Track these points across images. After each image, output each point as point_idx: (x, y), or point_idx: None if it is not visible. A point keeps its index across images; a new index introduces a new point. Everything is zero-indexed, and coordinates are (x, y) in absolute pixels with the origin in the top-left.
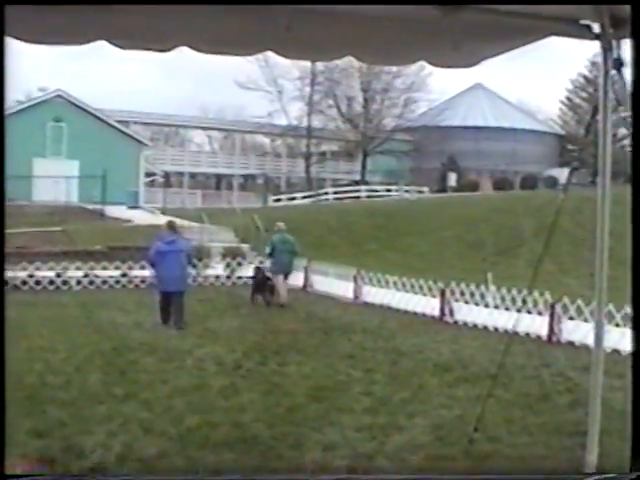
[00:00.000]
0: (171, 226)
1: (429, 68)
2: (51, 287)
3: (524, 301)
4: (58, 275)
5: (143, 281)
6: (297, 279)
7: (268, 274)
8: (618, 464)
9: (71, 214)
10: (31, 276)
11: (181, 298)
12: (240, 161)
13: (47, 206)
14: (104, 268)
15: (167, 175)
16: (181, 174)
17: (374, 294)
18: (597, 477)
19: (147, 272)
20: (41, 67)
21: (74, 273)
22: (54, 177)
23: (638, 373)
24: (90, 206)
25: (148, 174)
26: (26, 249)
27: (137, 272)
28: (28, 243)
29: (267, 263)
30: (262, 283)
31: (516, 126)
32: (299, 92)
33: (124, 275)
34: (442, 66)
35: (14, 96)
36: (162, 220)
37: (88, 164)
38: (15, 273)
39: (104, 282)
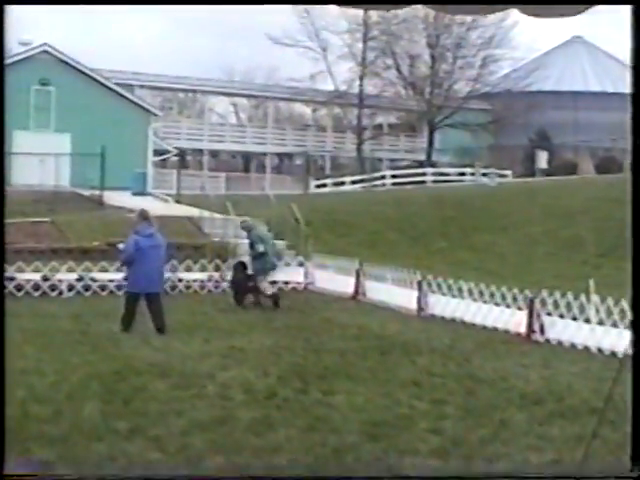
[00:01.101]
0: (145, 216)
1: (514, 17)
2: (36, 293)
3: None
4: (45, 278)
5: None
6: (346, 286)
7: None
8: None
9: (61, 201)
10: (11, 279)
11: (160, 300)
12: (274, 136)
13: (31, 191)
14: (103, 270)
15: (182, 153)
16: (200, 152)
17: (443, 305)
18: (597, 477)
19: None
20: (22, 17)
21: (65, 276)
22: (40, 154)
23: (638, 373)
24: (85, 192)
25: (158, 152)
26: (5, 245)
27: None
28: (7, 238)
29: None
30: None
31: (625, 91)
32: (348, 49)
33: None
34: (536, 14)
35: None
36: (177, 210)
37: (82, 139)
38: None
39: (103, 287)
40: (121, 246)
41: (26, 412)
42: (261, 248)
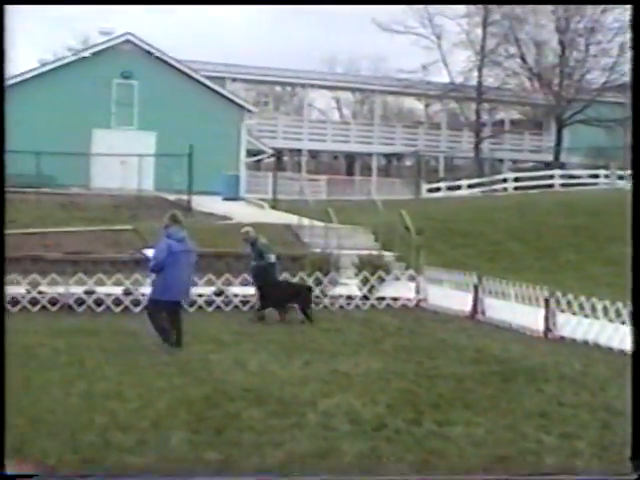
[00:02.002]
0: (177, 219)
1: None
2: (118, 309)
3: None
4: (127, 292)
5: (245, 302)
6: (462, 303)
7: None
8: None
9: (145, 207)
10: (90, 293)
11: (180, 311)
12: (381, 134)
13: (112, 196)
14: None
15: (279, 154)
16: (298, 152)
17: (574, 325)
18: (597, 477)
19: (250, 290)
20: (102, 7)
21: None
22: (121, 155)
23: (638, 373)
24: (171, 196)
25: (252, 152)
26: (82, 255)
27: (237, 289)
28: (85, 247)
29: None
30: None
31: None
32: (465, 35)
33: (219, 293)
34: None
35: (65, 42)
36: (273, 217)
37: (168, 138)
38: (67, 289)
39: (191, 303)
40: (148, 251)
41: (107, 440)
42: (272, 258)
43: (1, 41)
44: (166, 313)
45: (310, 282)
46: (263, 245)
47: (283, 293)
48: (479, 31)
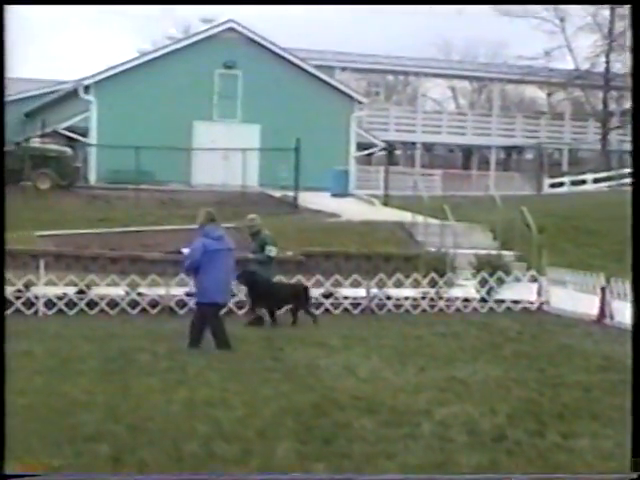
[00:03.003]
0: (212, 218)
1: None
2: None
3: None
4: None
5: (356, 304)
6: (588, 306)
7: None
8: None
9: (249, 204)
10: (191, 295)
11: (220, 313)
12: (500, 125)
13: (214, 192)
14: None
15: (391, 147)
16: (412, 145)
17: None
18: (598, 477)
19: (361, 291)
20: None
21: None
22: (224, 149)
23: (638, 373)
24: (276, 192)
25: (362, 146)
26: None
27: (347, 291)
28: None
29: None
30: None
31: None
32: (592, 18)
33: (328, 295)
34: None
35: (166, 31)
36: (385, 214)
37: (273, 131)
38: (168, 290)
39: None
40: (185, 250)
41: (211, 451)
42: (273, 251)
43: (1, 41)
44: (208, 316)
45: (424, 283)
46: (267, 236)
47: (278, 293)
48: (606, 13)
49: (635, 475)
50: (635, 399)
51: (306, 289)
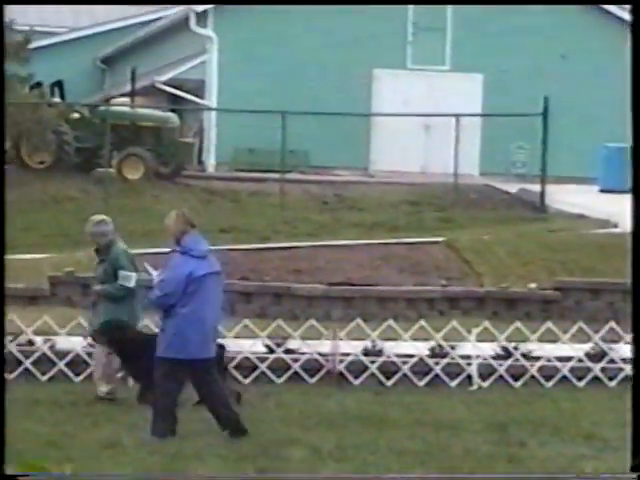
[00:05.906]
0: (190, 223)
1: None
2: (418, 379)
3: None
4: (437, 354)
5: None
6: None
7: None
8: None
9: (463, 204)
10: (375, 353)
11: (213, 369)
12: None
13: (405, 184)
14: (542, 340)
15: None
16: None
17: None
18: (597, 477)
19: None
20: None
21: (471, 348)
22: (424, 115)
23: (638, 374)
24: (509, 185)
25: None
26: (361, 289)
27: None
28: (366, 274)
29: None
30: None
31: None
32: None
33: (595, 355)
34: None
35: None
36: None
37: (505, 85)
38: (336, 344)
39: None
40: (155, 273)
41: None
42: (132, 280)
43: (1, 41)
44: (189, 379)
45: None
46: (122, 254)
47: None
48: None
49: (635, 475)
50: (635, 399)
51: (221, 347)
